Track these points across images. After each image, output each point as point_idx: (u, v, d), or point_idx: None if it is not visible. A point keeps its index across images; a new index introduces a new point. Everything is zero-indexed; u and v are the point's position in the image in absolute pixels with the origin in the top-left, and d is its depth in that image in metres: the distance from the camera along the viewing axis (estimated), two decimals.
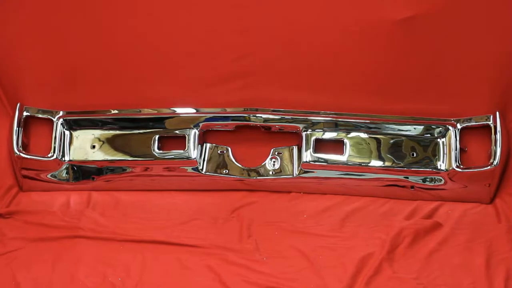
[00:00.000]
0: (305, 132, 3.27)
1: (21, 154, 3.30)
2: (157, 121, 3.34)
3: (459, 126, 3.21)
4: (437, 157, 3.22)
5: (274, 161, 3.32)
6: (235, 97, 3.31)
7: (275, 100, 3.29)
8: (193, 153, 3.29)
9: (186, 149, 3.30)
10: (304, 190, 3.31)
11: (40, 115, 3.36)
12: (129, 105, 3.36)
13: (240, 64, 3.27)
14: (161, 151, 3.32)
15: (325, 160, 3.26)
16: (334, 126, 3.27)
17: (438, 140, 3.23)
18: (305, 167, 3.26)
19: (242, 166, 3.33)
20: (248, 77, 3.29)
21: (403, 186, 3.25)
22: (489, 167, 3.13)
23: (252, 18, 3.21)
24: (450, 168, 3.18)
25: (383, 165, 3.24)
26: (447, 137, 3.22)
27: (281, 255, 2.90)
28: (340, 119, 3.27)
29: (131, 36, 3.27)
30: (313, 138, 3.27)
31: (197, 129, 3.31)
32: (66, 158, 3.35)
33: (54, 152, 3.32)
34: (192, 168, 3.31)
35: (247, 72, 3.28)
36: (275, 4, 3.19)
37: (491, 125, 3.17)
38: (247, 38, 3.23)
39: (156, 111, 3.33)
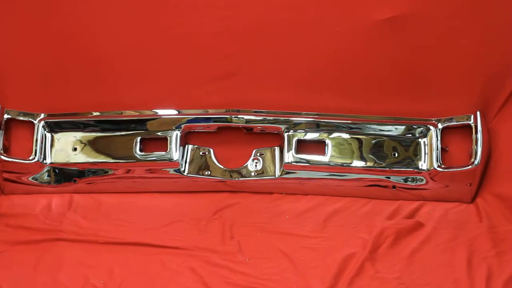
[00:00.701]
0: (287, 133, 3.28)
1: (2, 157, 3.28)
2: (139, 123, 3.33)
3: (440, 126, 3.22)
4: (418, 157, 3.23)
5: (256, 162, 3.32)
6: (218, 98, 3.31)
7: (258, 101, 3.30)
8: (175, 155, 3.28)
9: (168, 150, 3.29)
10: (286, 191, 3.32)
11: (21, 118, 3.34)
12: (111, 107, 3.35)
13: (222, 66, 3.27)
14: (143, 153, 3.31)
15: (307, 161, 3.26)
16: (316, 126, 3.28)
17: (420, 140, 3.25)
18: (287, 168, 3.26)
19: (224, 167, 3.33)
20: (230, 78, 3.29)
21: (385, 186, 3.25)
22: (470, 166, 3.14)
23: (234, 20, 3.21)
24: (432, 168, 3.19)
25: (365, 165, 3.25)
26: (428, 137, 3.23)
27: (264, 256, 2.90)
28: (321, 120, 3.27)
29: (112, 37, 3.27)
30: (295, 139, 3.27)
31: (179, 130, 3.31)
32: (48, 160, 3.33)
33: (35, 154, 3.31)
34: (174, 170, 3.30)
35: (229, 73, 3.28)
36: (257, 5, 3.19)
37: (472, 124, 3.18)
38: (229, 39, 3.23)
39: (138, 113, 3.32)
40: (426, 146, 3.23)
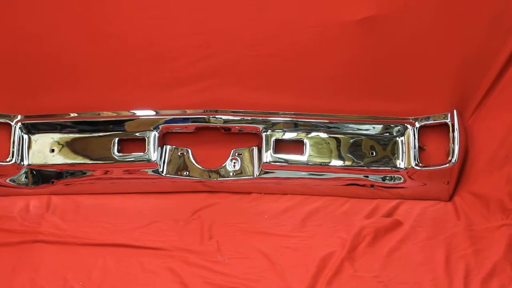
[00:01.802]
0: (265, 133, 3.28)
1: None
2: (117, 124, 3.33)
3: (417, 124, 3.24)
4: (396, 155, 3.25)
5: (234, 162, 3.32)
6: (196, 99, 3.31)
7: (236, 101, 3.30)
8: (153, 156, 3.28)
9: (146, 151, 3.28)
10: (265, 190, 3.32)
11: None
12: (88, 108, 3.34)
13: (200, 66, 3.27)
14: (121, 154, 3.30)
15: (285, 160, 3.27)
16: (294, 126, 3.28)
17: (397, 138, 3.26)
18: (265, 168, 3.26)
19: (203, 167, 3.33)
20: (209, 79, 3.29)
21: (363, 185, 3.26)
22: (447, 165, 3.16)
23: (212, 20, 3.21)
24: (409, 166, 3.20)
25: (343, 165, 3.25)
26: (405, 136, 3.25)
27: (243, 256, 2.90)
28: (299, 119, 3.28)
29: (90, 38, 3.26)
30: (273, 138, 3.28)
31: (157, 131, 3.30)
32: (25, 162, 3.32)
33: (12, 156, 3.29)
34: (153, 171, 3.30)
35: (207, 74, 3.28)
36: (235, 6, 3.20)
37: (449, 123, 3.19)
38: (207, 40, 3.24)
39: (115, 114, 3.32)
40: (404, 145, 3.24)
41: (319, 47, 3.22)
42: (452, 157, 3.15)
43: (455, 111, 3.20)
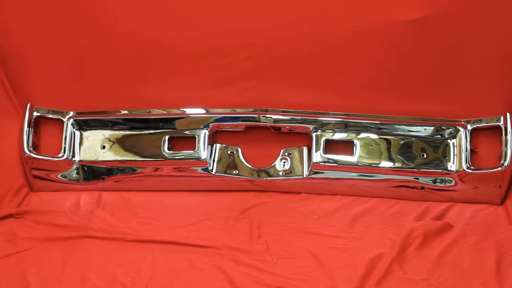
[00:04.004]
0: (315, 133, 3.27)
1: (32, 154, 3.31)
2: (167, 122, 3.35)
3: (469, 127, 3.20)
4: (447, 158, 3.22)
5: (284, 162, 3.32)
6: (245, 97, 3.31)
7: (283, 100, 3.30)
8: (203, 154, 3.29)
9: (196, 149, 3.30)
10: (314, 190, 3.31)
11: (50, 116, 3.37)
12: (138, 106, 3.36)
13: (249, 65, 3.27)
14: (171, 152, 3.32)
15: (335, 161, 3.26)
16: (344, 126, 3.27)
17: (449, 141, 3.23)
18: (315, 168, 3.26)
19: (252, 166, 3.33)
20: (258, 77, 3.29)
21: (413, 187, 3.24)
22: (499, 168, 3.13)
23: (261, 19, 3.21)
24: (461, 169, 3.17)
25: (393, 166, 3.23)
26: (457, 138, 3.22)
27: (291, 256, 2.90)
28: (350, 120, 3.26)
29: (141, 37, 3.28)
30: (323, 138, 3.27)
31: (207, 129, 3.31)
32: (76, 158, 3.35)
33: (64, 152, 3.33)
34: (202, 169, 3.31)
35: (256, 72, 3.28)
36: (284, 4, 3.19)
37: (502, 126, 3.16)
38: (256, 38, 3.24)
39: (166, 112, 3.33)
40: (455, 147, 3.21)
41: (370, 46, 3.20)
42: (505, 160, 3.12)
43: (508, 114, 3.16)
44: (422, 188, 3.23)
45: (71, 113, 3.36)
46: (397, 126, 3.26)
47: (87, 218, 3.14)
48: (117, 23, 3.27)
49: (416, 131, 3.25)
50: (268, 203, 3.27)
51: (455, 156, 3.21)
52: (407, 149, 3.25)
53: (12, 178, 3.35)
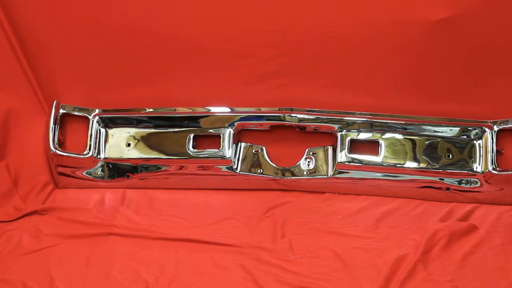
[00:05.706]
0: (340, 133, 3.26)
1: (57, 152, 3.33)
2: (192, 120, 3.35)
3: (496, 128, 3.18)
4: (473, 159, 3.20)
5: (308, 161, 3.31)
6: (272, 96, 3.31)
7: (309, 100, 3.29)
8: (228, 152, 3.30)
9: (221, 148, 3.30)
10: (339, 190, 3.31)
11: (76, 113, 3.39)
12: (163, 104, 3.37)
13: (275, 64, 3.28)
14: (195, 150, 3.33)
15: (360, 161, 3.25)
16: (370, 126, 3.26)
17: (475, 142, 3.21)
18: (340, 168, 3.25)
19: (277, 165, 3.33)
20: (283, 76, 3.29)
21: (438, 188, 3.23)
22: None
23: (287, 18, 3.21)
24: (486, 170, 3.15)
25: (418, 167, 3.22)
26: (483, 139, 3.20)
27: (315, 255, 2.89)
28: (375, 120, 3.25)
29: (168, 35, 3.28)
30: (348, 138, 3.26)
31: (232, 128, 3.32)
32: (102, 155, 3.37)
33: (89, 149, 3.35)
34: (227, 167, 3.32)
35: (282, 71, 3.29)
36: (312, 4, 3.19)
37: None
38: (282, 37, 3.23)
39: (191, 110, 3.34)
40: (481, 148, 3.19)
41: (395, 47, 3.19)
42: None
43: None
44: (447, 189, 3.21)
45: (97, 111, 3.38)
46: (422, 127, 3.24)
47: (112, 216, 3.15)
48: (145, 20, 3.28)
49: (442, 132, 3.24)
50: (292, 203, 3.27)
51: (481, 157, 3.19)
52: (432, 150, 3.23)
53: (38, 175, 3.38)
